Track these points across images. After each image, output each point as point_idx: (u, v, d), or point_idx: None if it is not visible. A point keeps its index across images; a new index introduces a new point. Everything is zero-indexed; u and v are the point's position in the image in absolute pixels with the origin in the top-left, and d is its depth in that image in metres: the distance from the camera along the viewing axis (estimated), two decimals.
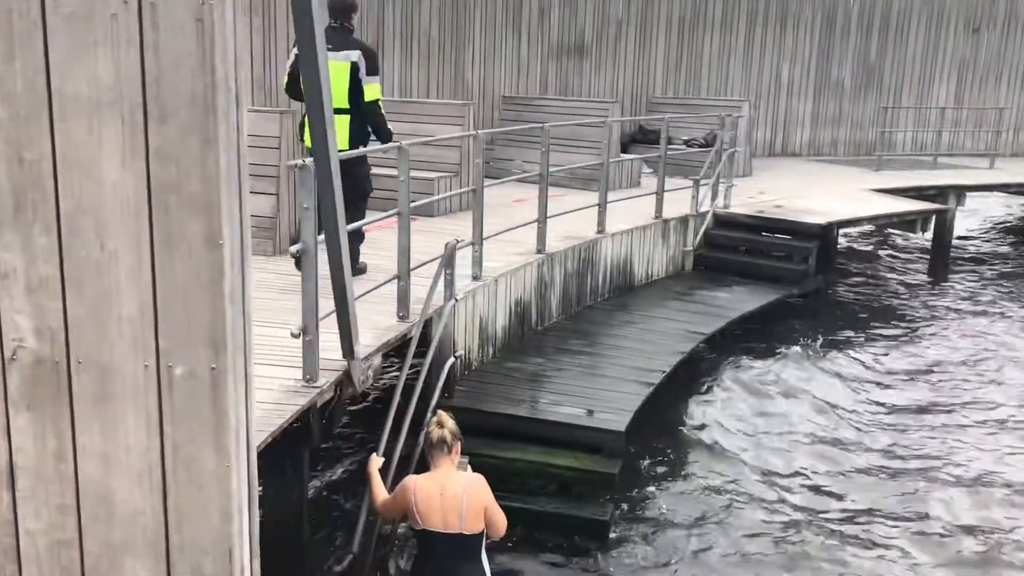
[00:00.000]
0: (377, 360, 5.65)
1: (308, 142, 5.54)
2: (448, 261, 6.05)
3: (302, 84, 3.57)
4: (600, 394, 6.54)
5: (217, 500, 2.39)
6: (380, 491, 4.60)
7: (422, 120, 9.65)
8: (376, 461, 4.80)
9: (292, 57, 5.82)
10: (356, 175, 5.95)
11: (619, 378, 6.87)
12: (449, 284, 6.14)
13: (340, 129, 5.64)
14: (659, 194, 9.45)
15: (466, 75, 12.32)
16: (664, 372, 7.00)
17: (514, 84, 12.63)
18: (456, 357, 6.41)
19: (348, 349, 4.96)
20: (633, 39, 13.88)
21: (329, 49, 4.84)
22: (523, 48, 12.64)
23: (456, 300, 6.29)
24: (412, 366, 5.82)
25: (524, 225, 7.88)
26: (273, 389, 4.83)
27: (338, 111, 5.55)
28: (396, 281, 5.95)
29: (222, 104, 2.21)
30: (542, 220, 7.81)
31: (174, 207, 2.26)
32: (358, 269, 6.31)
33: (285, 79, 6.17)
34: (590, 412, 6.22)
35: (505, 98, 12.22)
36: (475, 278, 6.95)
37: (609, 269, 8.82)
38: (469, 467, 4.87)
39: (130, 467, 2.38)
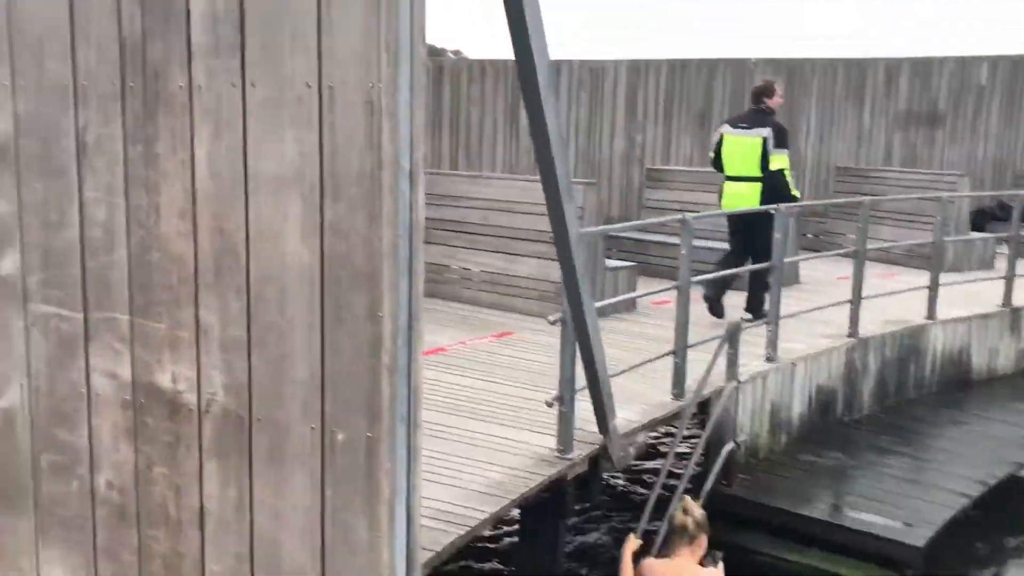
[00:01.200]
0: (642, 437, 5.47)
1: (725, 202, 7.47)
2: (730, 339, 5.75)
3: (535, 155, 3.60)
4: (905, 501, 5.79)
5: (369, 569, 2.41)
6: (628, 574, 4.43)
7: None
8: (632, 543, 4.62)
9: (716, 135, 7.70)
10: (759, 233, 7.05)
11: (933, 485, 6.04)
12: (731, 364, 5.82)
13: (752, 193, 7.33)
14: (1009, 279, 8.29)
15: (799, 144, 11.78)
16: (989, 485, 6.04)
17: (852, 154, 11.84)
18: (737, 443, 6.02)
19: (602, 424, 4.86)
20: (998, 107, 12.44)
21: (744, 128, 7.39)
22: (865, 117, 11.83)
23: (739, 383, 5.94)
24: (685, 449, 5.57)
25: (835, 305, 7.30)
26: (525, 455, 4.86)
27: (750, 179, 7.35)
28: (672, 356, 5.76)
29: (388, 181, 2.27)
30: (856, 300, 7.18)
31: (343, 279, 2.35)
32: (761, 314, 7.16)
33: (711, 154, 7.79)
34: (887, 519, 5.53)
35: (840, 169, 11.50)
36: (768, 359, 6.53)
37: (939, 360, 7.86)
38: (721, 563, 4.52)
39: (296, 524, 2.48)
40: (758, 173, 7.37)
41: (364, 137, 2.27)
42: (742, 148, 7.44)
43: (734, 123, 7.66)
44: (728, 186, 7.57)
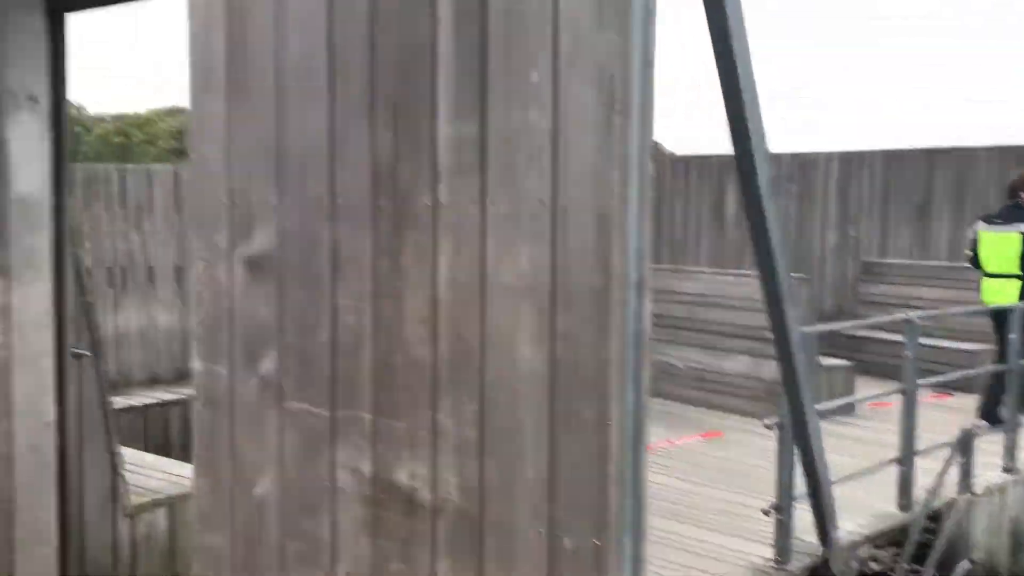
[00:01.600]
0: (865, 551, 5.17)
1: (985, 298, 7.38)
2: (963, 447, 5.37)
3: (755, 256, 3.58)
4: None
5: None
6: None
7: (968, 287, 8.79)
8: None
9: (972, 231, 7.70)
10: (1007, 332, 6.73)
11: None
12: (965, 474, 5.43)
13: (1010, 291, 7.19)
14: None
15: None
16: None
17: None
18: (972, 562, 5.55)
19: (823, 535, 4.64)
20: None
21: (999, 224, 7.32)
22: None
23: (973, 495, 5.51)
24: (915, 569, 5.19)
25: None
26: (740, 564, 4.70)
27: (1009, 276, 7.24)
28: (898, 464, 5.43)
29: (617, 294, 2.34)
30: None
31: (572, 387, 2.42)
32: (996, 421, 6.85)
33: (968, 252, 7.82)
34: None
35: None
36: (1007, 470, 6.03)
37: None
38: None
39: None
40: (1016, 271, 7.27)
41: (594, 251, 2.36)
42: (998, 245, 7.32)
43: (988, 219, 7.54)
44: (986, 283, 7.45)
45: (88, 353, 4.15)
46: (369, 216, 2.75)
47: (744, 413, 7.33)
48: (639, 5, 2.30)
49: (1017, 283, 7.24)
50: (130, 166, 7.77)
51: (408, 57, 2.64)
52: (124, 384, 7.41)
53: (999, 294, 7.29)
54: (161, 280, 7.85)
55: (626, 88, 2.30)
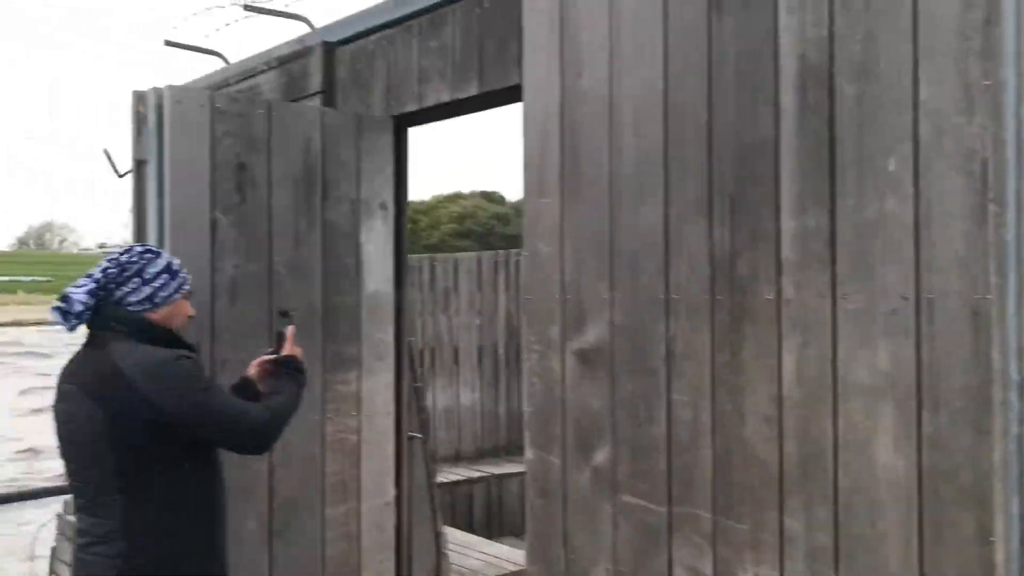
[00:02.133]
0: None
1: None
2: None
3: None
4: None
5: None
6: None
7: None
8: None
9: None
10: None
11: None
12: None
13: None
14: None
15: None
16: None
17: None
18: None
19: None
20: None
21: None
22: None
23: None
24: None
25: None
26: None
27: None
28: None
29: (997, 396, 2.14)
30: None
31: (945, 497, 2.23)
32: None
33: None
34: None
35: None
36: None
37: None
38: None
39: None
40: None
41: (969, 348, 2.18)
42: None
43: None
44: None
45: (420, 435, 4.43)
46: (707, 310, 2.73)
47: None
48: (1011, 87, 2.14)
49: None
50: (439, 255, 8.38)
51: (747, 152, 2.62)
52: (431, 462, 7.84)
53: None
54: (464, 360, 8.29)
55: (1001, 174, 2.13)
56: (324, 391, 3.80)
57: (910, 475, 2.29)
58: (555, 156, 3.16)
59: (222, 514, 2.83)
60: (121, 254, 2.80)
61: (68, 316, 2.68)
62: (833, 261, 2.44)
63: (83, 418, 2.61)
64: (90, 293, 2.70)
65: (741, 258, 2.65)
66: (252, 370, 3.16)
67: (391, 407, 3.93)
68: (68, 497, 5.66)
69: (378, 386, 3.89)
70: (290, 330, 3.18)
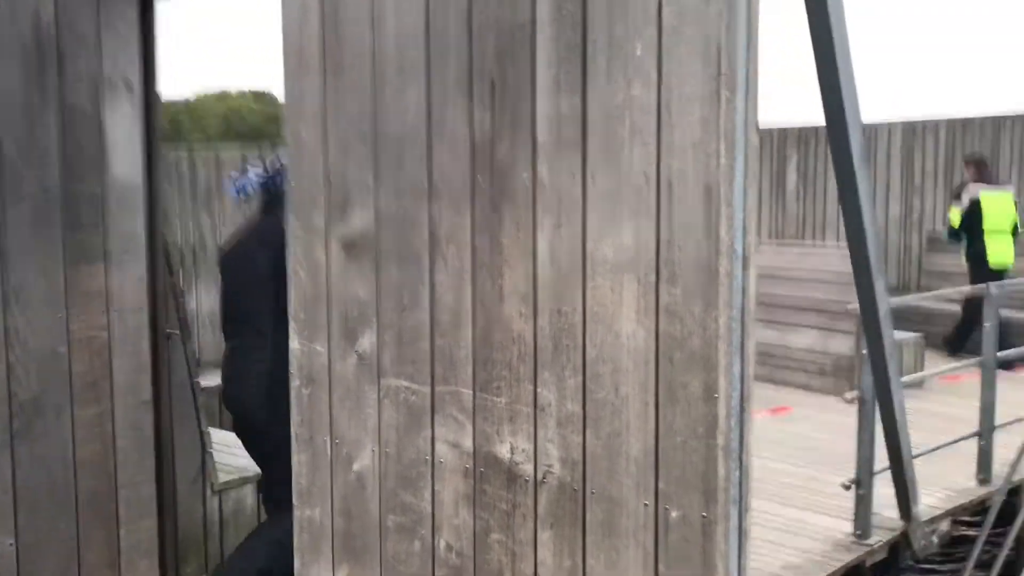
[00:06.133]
0: (945, 525, 5.12)
1: (995, 261, 8.10)
2: None
3: (846, 230, 3.54)
4: None
5: None
6: None
7: None
8: None
9: (966, 200, 8.33)
10: None
11: None
12: None
13: (1010, 248, 8.11)
14: None
15: None
16: None
17: None
18: None
19: (905, 510, 4.61)
20: None
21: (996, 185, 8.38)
22: None
23: None
24: (993, 540, 5.14)
25: None
26: (819, 539, 4.70)
27: (1008, 233, 8.11)
28: (977, 438, 5.37)
29: (724, 267, 2.35)
30: None
31: (677, 361, 2.43)
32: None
33: (956, 218, 8.51)
34: None
35: None
36: None
37: None
38: None
39: None
40: (1008, 229, 8.27)
41: (702, 225, 2.36)
42: (1001, 205, 8.36)
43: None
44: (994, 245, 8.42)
45: (178, 333, 4.26)
46: (468, 194, 2.78)
47: (811, 388, 7.29)
48: None
49: (1011, 239, 8.10)
50: (201, 150, 7.91)
51: (506, 34, 2.65)
52: (195, 365, 7.57)
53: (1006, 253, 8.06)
54: None
55: (732, 60, 2.29)
56: (67, 285, 3.55)
57: (649, 344, 2.48)
58: (315, 32, 3.05)
59: None
60: None
61: None
62: (584, 144, 2.54)
63: None
64: None
65: (501, 142, 2.70)
66: None
67: (144, 303, 3.74)
68: None
69: (129, 281, 3.67)
70: None
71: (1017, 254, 8.40)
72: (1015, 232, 8.17)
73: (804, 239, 11.45)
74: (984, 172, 8.50)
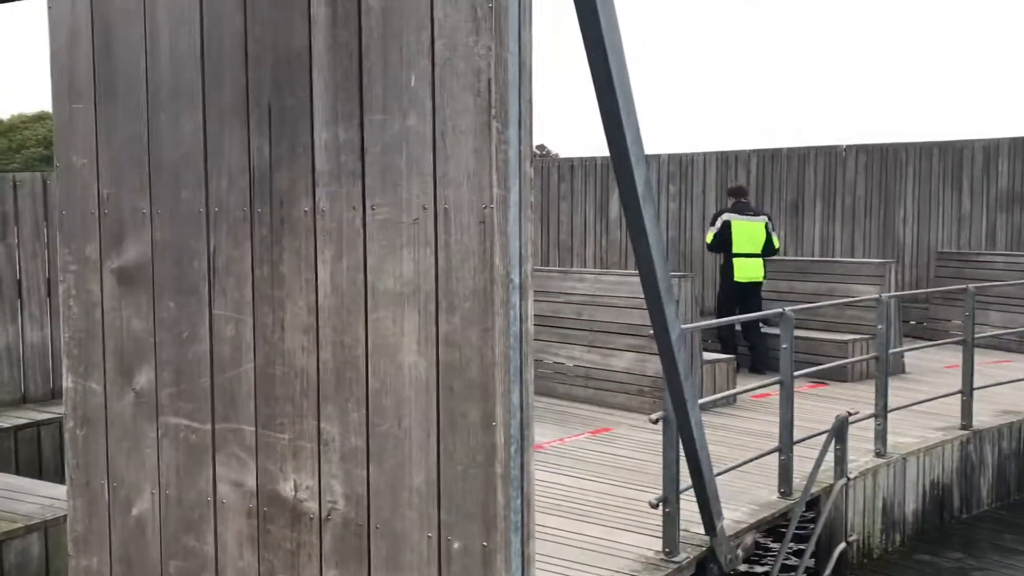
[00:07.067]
0: (750, 539, 5.34)
1: (738, 277, 9.38)
2: (838, 435, 5.61)
3: (636, 257, 3.66)
4: None
5: None
6: None
7: (839, 280, 9.28)
8: None
9: (718, 224, 9.56)
10: (760, 300, 9.44)
11: None
12: (840, 460, 5.67)
13: (758, 267, 9.46)
14: None
15: (896, 231, 11.61)
16: None
17: (953, 239, 11.56)
18: (848, 543, 5.81)
19: (709, 525, 4.77)
20: None
21: (751, 214, 9.49)
22: (964, 201, 11.59)
23: (848, 479, 5.76)
24: (795, 549, 5.40)
25: (946, 396, 7.06)
26: (630, 558, 4.79)
27: (757, 255, 9.41)
28: (778, 453, 5.64)
29: (500, 295, 2.37)
30: (967, 392, 6.94)
31: (457, 390, 2.43)
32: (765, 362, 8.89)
33: (710, 236, 9.64)
34: None
35: (940, 254, 11.22)
36: (878, 454, 6.33)
37: None
38: None
39: None
40: (760, 251, 9.49)
41: (478, 255, 2.37)
42: (750, 231, 9.58)
43: (742, 212, 9.66)
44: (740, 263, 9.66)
45: None
46: (247, 224, 2.69)
47: (631, 409, 7.48)
48: (514, 11, 2.33)
49: (760, 261, 9.42)
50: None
51: (283, 61, 2.59)
52: None
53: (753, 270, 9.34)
54: (31, 294, 7.48)
55: (503, 94, 2.32)
56: None
57: (430, 374, 2.47)
58: (86, 57, 2.89)
59: None
60: None
61: None
62: (363, 174, 2.51)
63: None
64: None
65: (280, 170, 2.64)
66: None
67: None
68: None
69: None
70: None
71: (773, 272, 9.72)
72: (766, 253, 9.40)
73: (627, 267, 11.84)
74: (741, 202, 9.57)
